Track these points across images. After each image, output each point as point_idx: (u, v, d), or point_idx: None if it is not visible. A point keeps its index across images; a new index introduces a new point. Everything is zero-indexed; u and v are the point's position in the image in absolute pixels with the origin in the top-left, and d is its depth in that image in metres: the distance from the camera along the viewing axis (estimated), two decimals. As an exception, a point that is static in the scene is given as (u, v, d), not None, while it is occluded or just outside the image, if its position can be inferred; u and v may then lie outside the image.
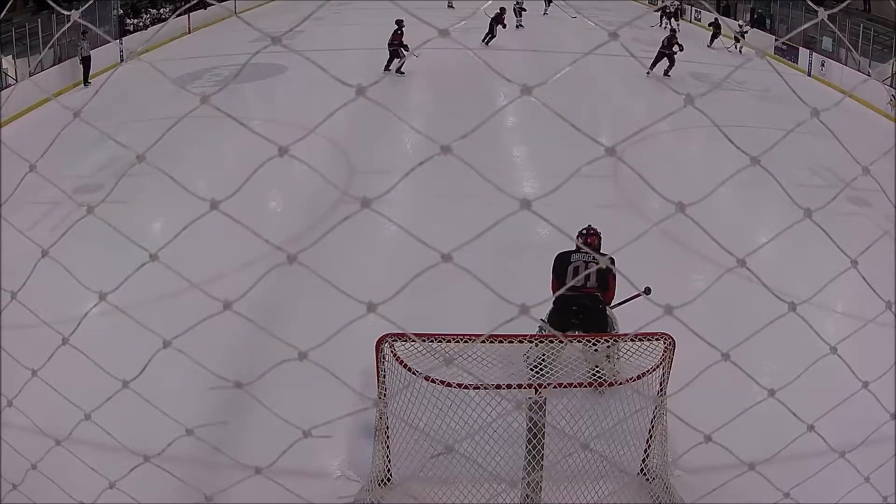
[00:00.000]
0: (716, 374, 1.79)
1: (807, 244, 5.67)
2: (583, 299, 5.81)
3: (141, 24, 21.84)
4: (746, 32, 22.03)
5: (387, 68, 16.87)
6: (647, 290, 5.37)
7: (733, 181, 1.72)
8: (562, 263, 5.98)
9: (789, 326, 2.02)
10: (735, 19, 24.82)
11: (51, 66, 15.84)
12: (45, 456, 2.06)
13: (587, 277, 5.79)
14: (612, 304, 6.00)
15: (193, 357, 1.85)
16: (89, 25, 1.95)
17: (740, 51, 20.92)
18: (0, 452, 2.58)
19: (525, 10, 24.14)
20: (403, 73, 16.76)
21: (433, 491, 4.60)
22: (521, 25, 23.56)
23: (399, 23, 16.58)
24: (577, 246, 5.78)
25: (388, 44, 16.89)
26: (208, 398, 5.24)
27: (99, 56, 16.84)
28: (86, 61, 16.30)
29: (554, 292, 5.74)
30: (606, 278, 5.89)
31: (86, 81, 16.42)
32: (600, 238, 6.25)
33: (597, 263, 5.39)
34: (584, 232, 6.26)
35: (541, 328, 5.53)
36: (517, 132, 12.51)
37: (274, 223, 8.76)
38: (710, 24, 22.16)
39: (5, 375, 2.36)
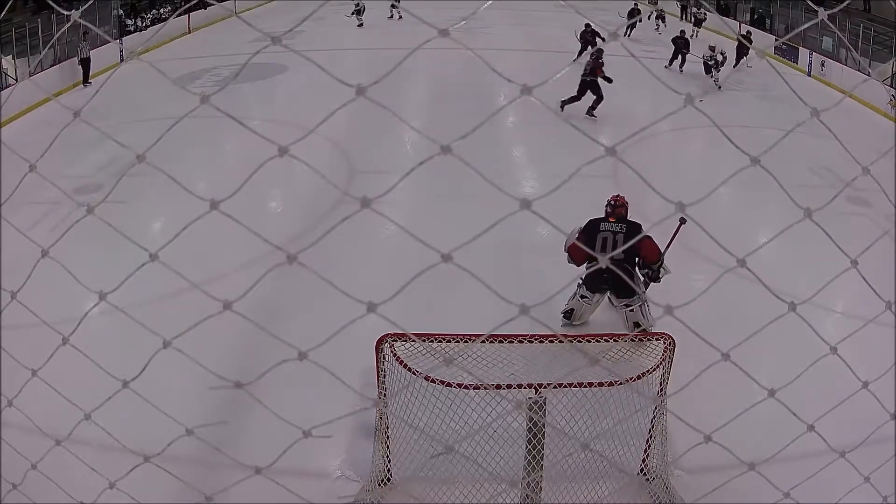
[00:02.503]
0: (716, 374, 1.80)
1: (807, 244, 5.66)
2: (610, 268, 5.93)
3: (142, 24, 21.83)
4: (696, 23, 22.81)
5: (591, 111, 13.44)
6: (683, 220, 6.07)
7: (734, 181, 1.72)
8: (591, 232, 6.31)
9: (789, 326, 2.02)
10: (735, 19, 24.81)
11: (51, 66, 15.83)
12: (45, 456, 2.06)
13: (613, 249, 6.10)
14: (661, 261, 6.31)
15: (193, 357, 1.85)
16: (89, 25, 1.95)
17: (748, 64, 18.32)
18: (0, 452, 2.58)
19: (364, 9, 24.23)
20: (595, 116, 13.47)
21: (433, 491, 4.59)
22: (361, 24, 23.70)
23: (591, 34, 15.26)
24: (605, 213, 6.45)
25: (585, 74, 13.42)
26: (208, 398, 5.24)
27: (99, 56, 16.83)
28: (85, 62, 16.19)
29: (574, 253, 6.20)
30: (638, 249, 6.14)
31: (85, 81, 16.33)
32: (627, 208, 6.46)
33: (623, 234, 6.24)
34: (613, 203, 6.47)
35: (579, 285, 6.56)
36: (517, 132, 12.51)
37: (274, 223, 8.76)
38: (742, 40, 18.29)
39: (5, 375, 2.36)
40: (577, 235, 6.34)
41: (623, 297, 6.42)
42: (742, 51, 17.64)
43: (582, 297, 6.56)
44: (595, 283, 6.46)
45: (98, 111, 12.15)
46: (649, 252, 6.23)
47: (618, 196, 6.52)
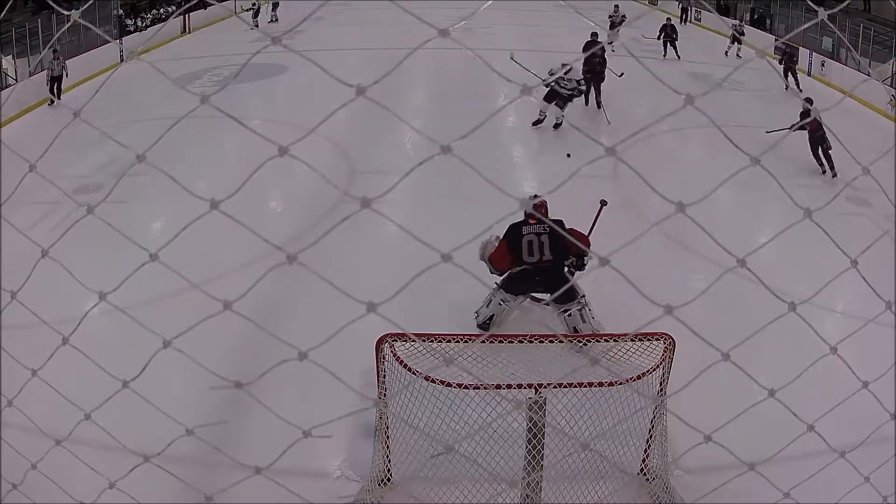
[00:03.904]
0: (716, 374, 1.79)
1: (807, 244, 5.67)
2: (542, 270, 6.20)
3: (142, 24, 21.83)
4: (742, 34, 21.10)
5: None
6: (604, 203, 6.81)
7: (733, 181, 1.72)
8: (515, 236, 6.22)
9: (789, 326, 2.02)
10: (735, 19, 24.78)
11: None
12: (45, 456, 2.06)
13: (541, 251, 6.15)
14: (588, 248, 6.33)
15: (193, 357, 1.85)
16: (90, 25, 1.95)
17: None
18: (0, 452, 2.58)
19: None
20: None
21: (433, 491, 4.60)
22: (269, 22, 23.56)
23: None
24: (525, 216, 6.32)
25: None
26: (208, 398, 5.24)
27: (99, 56, 16.82)
28: (56, 80, 14.47)
29: (502, 262, 6.23)
30: (563, 244, 6.16)
31: (58, 97, 14.30)
32: (547, 207, 6.31)
33: (547, 234, 6.22)
34: (532, 201, 6.42)
35: (496, 289, 6.36)
36: (517, 132, 12.51)
37: (274, 223, 8.76)
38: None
39: (5, 375, 2.36)
40: (497, 244, 6.21)
41: (559, 303, 6.25)
42: (789, 68, 16.12)
43: (502, 301, 6.36)
44: (519, 285, 6.30)
45: (98, 111, 12.14)
46: (580, 241, 6.20)
47: (535, 196, 6.39)
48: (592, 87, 13.80)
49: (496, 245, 6.22)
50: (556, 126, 12.62)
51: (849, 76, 16.61)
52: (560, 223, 6.18)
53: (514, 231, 6.27)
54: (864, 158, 1.79)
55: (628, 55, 14.79)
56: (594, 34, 16.42)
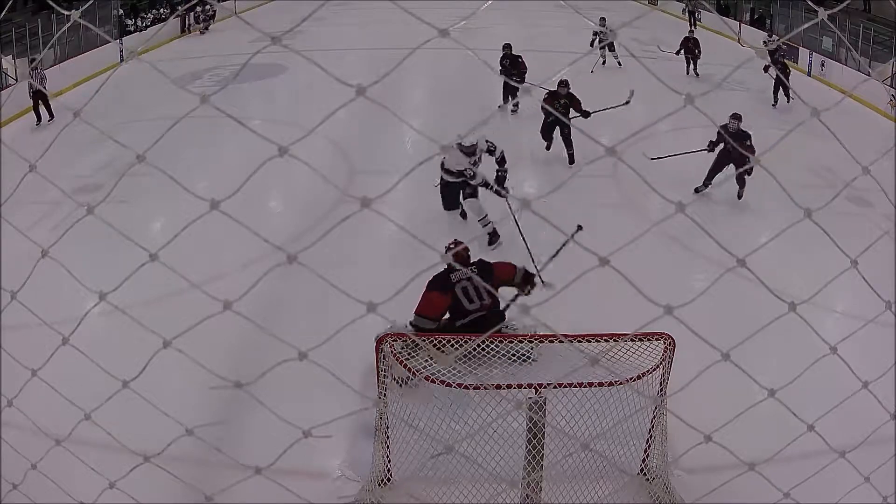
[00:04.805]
0: (716, 374, 1.80)
1: (807, 244, 5.67)
2: (483, 317, 5.66)
3: (142, 24, 21.83)
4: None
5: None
6: (579, 228, 6.17)
7: (733, 181, 1.72)
8: (445, 287, 5.69)
9: (789, 326, 2.02)
10: (735, 19, 24.73)
11: (51, 66, 15.82)
12: (45, 456, 2.06)
13: (479, 296, 5.67)
14: (521, 273, 5.96)
15: (193, 357, 1.85)
16: (89, 25, 1.95)
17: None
18: (0, 452, 2.59)
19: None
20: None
21: (433, 491, 4.60)
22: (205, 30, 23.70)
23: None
24: (447, 266, 5.79)
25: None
26: (208, 398, 5.24)
27: (99, 56, 16.81)
28: (39, 96, 12.85)
29: (434, 308, 5.62)
30: (492, 282, 5.73)
31: (50, 116, 12.89)
32: (467, 248, 6.07)
33: (477, 273, 5.74)
34: (452, 248, 5.85)
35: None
36: (517, 132, 12.51)
37: (274, 223, 8.76)
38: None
39: (5, 375, 2.36)
40: (421, 304, 5.61)
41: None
42: (784, 73, 14.76)
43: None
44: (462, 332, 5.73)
45: (98, 111, 12.14)
46: (505, 273, 5.85)
47: (450, 243, 5.89)
48: (560, 136, 10.88)
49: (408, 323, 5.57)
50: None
51: (849, 76, 16.60)
52: (480, 262, 5.87)
53: (442, 281, 5.69)
54: (864, 158, 1.79)
55: (618, 65, 14.81)
56: (507, 46, 13.50)
